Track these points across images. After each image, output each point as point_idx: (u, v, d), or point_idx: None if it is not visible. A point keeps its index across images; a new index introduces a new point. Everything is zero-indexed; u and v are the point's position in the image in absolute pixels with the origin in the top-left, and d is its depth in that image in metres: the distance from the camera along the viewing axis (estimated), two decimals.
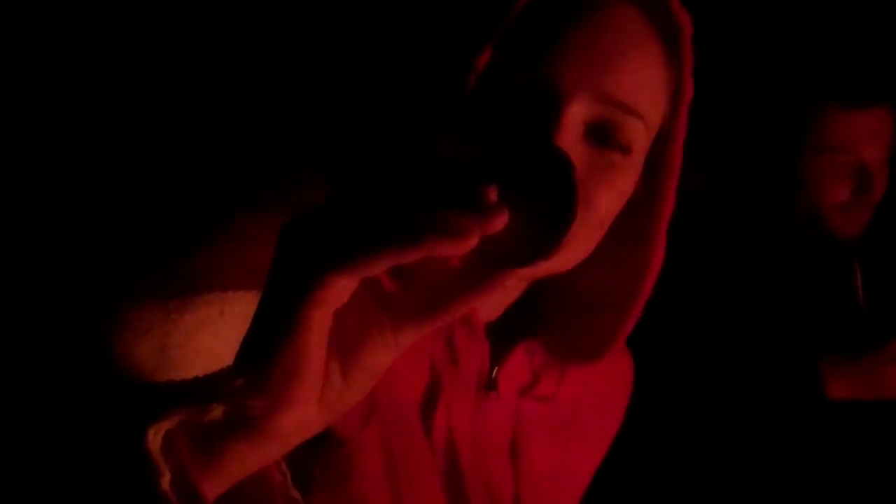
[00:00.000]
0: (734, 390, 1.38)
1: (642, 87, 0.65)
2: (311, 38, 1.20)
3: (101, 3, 1.25)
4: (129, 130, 1.15)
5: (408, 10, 0.73)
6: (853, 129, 1.44)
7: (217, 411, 0.46)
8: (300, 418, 0.47)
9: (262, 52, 1.22)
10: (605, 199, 0.66)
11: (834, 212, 1.47)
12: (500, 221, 0.46)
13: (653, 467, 1.46)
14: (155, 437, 0.45)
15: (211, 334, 0.57)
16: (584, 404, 0.82)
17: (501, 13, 0.64)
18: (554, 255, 0.52)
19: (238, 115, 1.15)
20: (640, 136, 0.66)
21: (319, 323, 0.46)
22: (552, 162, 0.52)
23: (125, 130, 1.16)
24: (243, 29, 1.25)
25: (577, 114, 0.63)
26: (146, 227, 0.63)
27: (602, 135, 0.65)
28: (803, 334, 1.43)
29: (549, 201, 0.51)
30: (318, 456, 0.63)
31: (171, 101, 1.19)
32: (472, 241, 0.45)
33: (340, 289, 0.45)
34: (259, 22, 1.24)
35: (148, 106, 1.19)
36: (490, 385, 0.74)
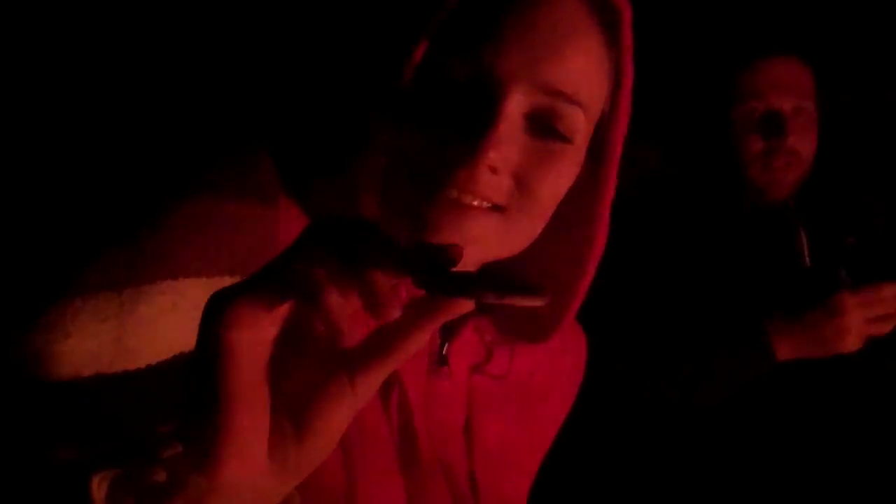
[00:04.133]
0: (683, 361, 1.41)
1: (582, 75, 0.67)
2: (259, 23, 1.21)
3: None
4: (75, 120, 1.15)
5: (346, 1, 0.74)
6: (761, 76, 1.49)
7: (160, 475, 0.46)
8: (244, 478, 0.46)
9: (208, 40, 1.22)
10: (548, 188, 0.67)
11: (752, 163, 1.51)
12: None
13: (608, 443, 1.49)
14: (100, 485, 0.45)
15: (165, 324, 0.58)
16: (537, 381, 0.84)
17: (437, 2, 0.65)
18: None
19: (185, 101, 1.15)
20: (580, 123, 0.68)
21: (238, 360, 0.44)
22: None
23: (71, 120, 1.15)
24: (191, 20, 1.24)
25: (516, 104, 0.64)
26: (95, 219, 0.63)
27: (543, 124, 0.66)
28: (753, 301, 1.46)
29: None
30: None
31: (116, 91, 1.19)
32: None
33: (248, 315, 0.44)
34: (206, 14, 1.24)
35: (92, 96, 1.18)
36: (441, 361, 0.75)
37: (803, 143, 1.51)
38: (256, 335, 0.45)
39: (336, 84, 0.72)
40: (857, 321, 1.37)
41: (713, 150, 1.56)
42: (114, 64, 1.21)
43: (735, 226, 1.54)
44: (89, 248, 0.61)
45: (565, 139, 0.67)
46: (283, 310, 0.46)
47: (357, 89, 0.69)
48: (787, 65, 1.51)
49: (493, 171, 0.64)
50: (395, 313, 0.44)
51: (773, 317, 1.41)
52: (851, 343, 1.38)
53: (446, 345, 0.76)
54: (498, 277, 0.46)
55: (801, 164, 1.52)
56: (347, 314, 0.44)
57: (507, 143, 0.64)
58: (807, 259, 1.49)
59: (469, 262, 0.72)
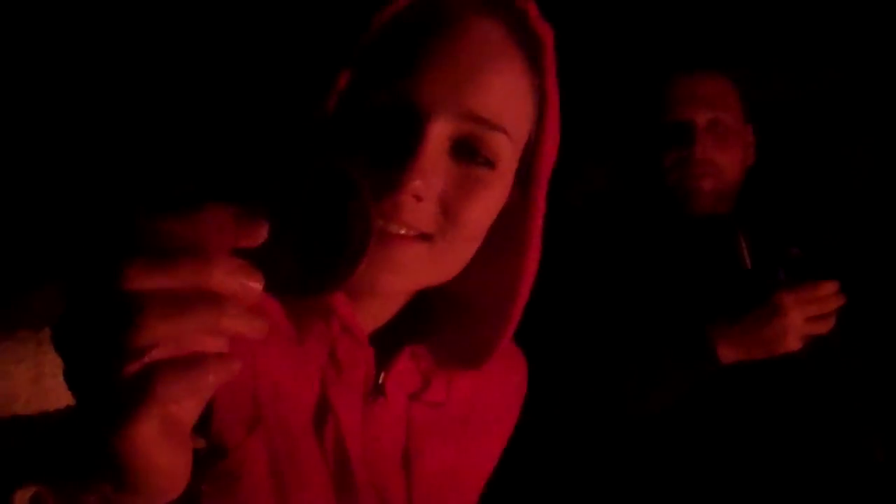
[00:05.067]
0: (627, 370, 1.41)
1: (504, 101, 0.67)
2: (185, 56, 1.20)
3: None
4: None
5: (269, 32, 0.74)
6: (673, 91, 1.54)
7: (88, 501, 0.46)
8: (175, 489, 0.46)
9: (131, 72, 1.22)
10: (474, 214, 0.68)
11: (669, 173, 1.53)
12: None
13: (552, 464, 1.49)
14: (22, 497, 0.45)
15: None
16: (477, 407, 0.84)
17: (358, 32, 0.65)
18: (333, 289, 0.51)
19: (114, 131, 1.14)
20: (505, 149, 0.68)
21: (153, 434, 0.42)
22: (349, 195, 0.51)
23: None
24: (110, 56, 1.23)
25: (439, 132, 0.64)
26: (14, 258, 0.62)
27: (467, 151, 0.66)
28: (697, 310, 1.46)
29: (341, 234, 0.50)
30: (203, 469, 0.64)
31: (41, 125, 1.17)
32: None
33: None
34: (127, 45, 1.23)
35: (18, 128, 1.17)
36: (377, 391, 0.75)
37: (719, 154, 1.53)
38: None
39: (260, 115, 0.72)
40: (797, 320, 1.37)
41: (642, 163, 1.59)
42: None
43: (676, 237, 1.55)
44: (7, 286, 0.60)
45: (490, 165, 0.67)
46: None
47: (281, 120, 0.69)
48: (701, 79, 1.55)
49: (418, 199, 0.64)
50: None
51: (716, 321, 1.41)
52: (792, 342, 1.38)
53: (382, 374, 0.75)
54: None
55: (718, 173, 1.53)
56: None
57: (432, 171, 0.64)
58: (747, 261, 1.51)
59: (398, 289, 0.72)
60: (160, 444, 0.43)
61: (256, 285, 0.43)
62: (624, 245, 1.56)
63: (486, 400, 0.85)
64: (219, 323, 0.42)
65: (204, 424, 0.63)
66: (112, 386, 0.41)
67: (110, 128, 1.13)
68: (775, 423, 1.45)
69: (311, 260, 0.48)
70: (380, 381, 0.75)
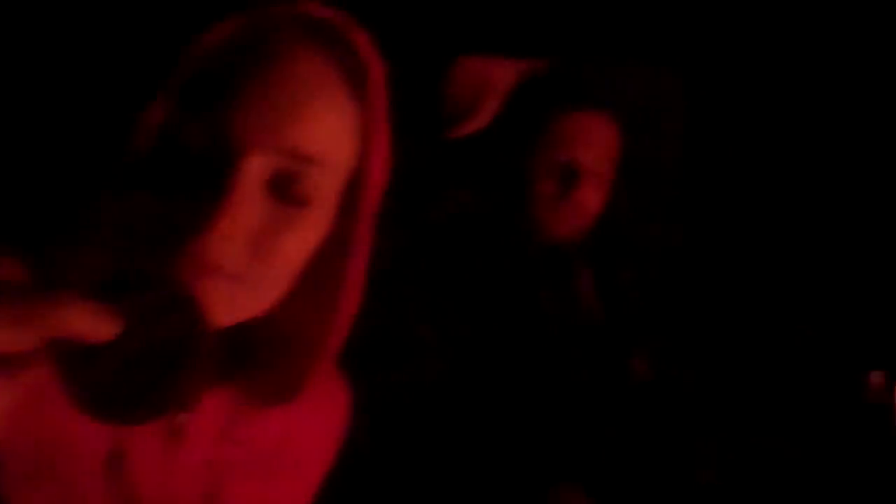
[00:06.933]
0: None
1: (323, 135, 0.65)
2: None
3: None
4: None
5: (76, 70, 0.70)
6: (568, 127, 1.54)
7: None
8: None
9: None
10: (285, 254, 0.65)
11: (541, 201, 1.54)
12: None
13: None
14: None
15: None
16: (290, 440, 0.81)
17: (170, 66, 0.62)
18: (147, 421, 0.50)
19: None
20: (323, 184, 0.66)
21: None
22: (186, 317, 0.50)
23: None
24: None
25: (253, 169, 0.61)
26: None
27: (282, 187, 0.64)
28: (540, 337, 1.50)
29: (172, 367, 0.49)
30: None
31: None
32: None
33: None
34: None
35: None
36: (175, 431, 0.71)
37: (592, 200, 1.55)
38: None
39: (67, 149, 0.68)
40: None
41: (511, 185, 1.58)
42: None
43: (524, 263, 1.57)
44: None
45: (301, 203, 0.65)
46: None
47: (89, 154, 0.65)
48: (595, 120, 1.55)
49: (227, 239, 0.61)
50: None
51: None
52: None
53: (183, 415, 0.72)
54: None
55: (585, 216, 1.56)
56: None
57: (243, 211, 0.61)
58: (591, 303, 1.54)
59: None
60: None
61: None
62: (480, 267, 1.56)
63: (301, 433, 0.83)
64: None
65: None
66: None
67: None
68: None
69: (136, 384, 0.47)
70: (178, 421, 0.72)
